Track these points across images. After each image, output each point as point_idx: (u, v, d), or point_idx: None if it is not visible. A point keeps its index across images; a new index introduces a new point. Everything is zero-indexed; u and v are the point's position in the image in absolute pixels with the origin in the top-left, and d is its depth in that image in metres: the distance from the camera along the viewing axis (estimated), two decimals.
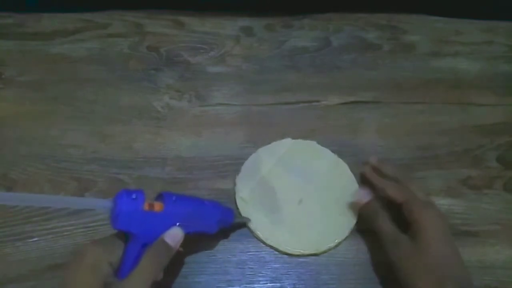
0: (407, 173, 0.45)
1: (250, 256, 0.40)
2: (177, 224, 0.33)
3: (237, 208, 0.42)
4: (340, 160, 0.46)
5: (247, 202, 0.42)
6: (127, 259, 0.31)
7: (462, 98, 0.52)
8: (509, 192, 0.45)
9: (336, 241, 0.40)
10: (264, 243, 0.40)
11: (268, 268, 0.39)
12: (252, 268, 0.39)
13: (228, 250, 0.40)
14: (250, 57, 0.55)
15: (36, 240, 0.40)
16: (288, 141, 0.46)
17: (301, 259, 0.40)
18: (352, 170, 0.45)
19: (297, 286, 0.39)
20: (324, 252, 0.40)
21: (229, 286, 0.38)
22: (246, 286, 0.38)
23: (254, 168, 0.44)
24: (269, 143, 0.46)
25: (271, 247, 0.40)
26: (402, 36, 0.58)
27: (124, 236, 0.32)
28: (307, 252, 0.40)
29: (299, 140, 0.47)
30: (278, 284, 0.39)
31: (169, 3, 0.58)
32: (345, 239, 0.41)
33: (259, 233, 0.40)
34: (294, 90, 0.52)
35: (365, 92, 0.52)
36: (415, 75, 0.54)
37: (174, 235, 0.32)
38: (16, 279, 0.38)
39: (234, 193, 0.43)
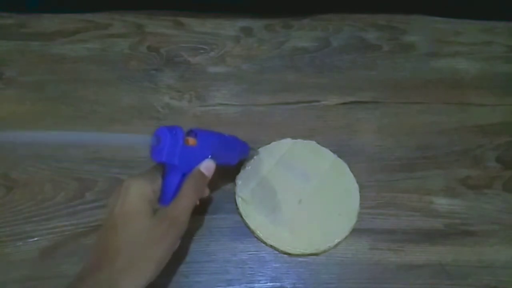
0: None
1: (250, 255, 0.40)
2: (209, 156, 0.36)
3: (237, 208, 0.42)
4: (340, 160, 0.46)
5: (247, 202, 0.42)
6: (168, 188, 0.34)
7: (462, 98, 0.52)
8: (508, 192, 0.45)
9: (336, 241, 0.41)
10: (264, 242, 0.40)
11: (268, 268, 0.40)
12: (252, 267, 0.40)
13: (228, 250, 0.40)
14: (250, 57, 0.55)
15: (36, 240, 0.40)
16: (288, 141, 0.47)
17: (301, 259, 0.40)
18: (352, 170, 0.45)
19: (297, 285, 0.39)
20: (324, 252, 0.40)
21: (229, 285, 0.39)
22: (246, 286, 0.39)
23: (254, 168, 0.44)
24: (269, 143, 0.46)
25: (271, 246, 0.40)
26: (401, 36, 0.58)
27: (161, 168, 0.35)
28: (307, 252, 0.40)
29: (299, 140, 0.47)
30: (278, 284, 0.39)
31: (169, 4, 0.58)
32: (345, 239, 0.41)
33: (259, 233, 0.40)
34: (294, 90, 0.52)
35: (364, 92, 0.52)
36: (415, 75, 0.54)
37: (208, 166, 0.36)
38: (17, 279, 0.38)
39: (234, 193, 0.43)
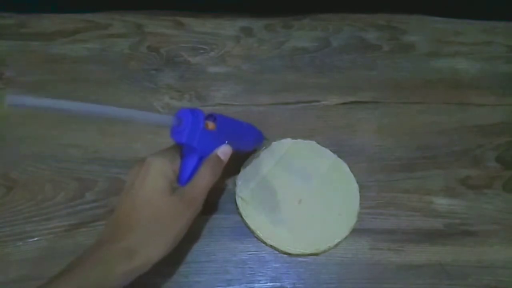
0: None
1: (250, 255, 0.40)
2: (226, 142, 0.37)
3: (237, 208, 0.42)
4: (340, 160, 0.46)
5: (247, 202, 0.42)
6: (185, 169, 0.35)
7: (462, 98, 0.52)
8: (508, 192, 0.45)
9: (336, 241, 0.41)
10: (264, 242, 0.40)
11: (268, 268, 0.40)
12: (252, 267, 0.40)
13: (228, 250, 0.40)
14: (250, 57, 0.55)
15: (36, 240, 0.40)
16: (288, 141, 0.47)
17: (301, 259, 0.40)
18: (352, 170, 0.45)
19: (297, 285, 0.39)
20: (324, 252, 0.40)
21: (229, 285, 0.39)
22: (246, 286, 0.39)
23: (254, 168, 0.44)
24: (269, 143, 0.46)
25: (271, 246, 0.40)
26: (401, 36, 0.58)
27: (180, 149, 0.36)
28: (307, 252, 0.40)
29: (299, 140, 0.47)
30: (278, 284, 0.39)
31: (169, 4, 0.58)
32: (345, 239, 0.41)
33: (259, 233, 0.40)
34: (294, 90, 0.52)
35: (364, 92, 0.52)
36: (415, 75, 0.54)
37: (225, 151, 0.37)
38: (17, 279, 0.38)
39: (234, 193, 0.43)
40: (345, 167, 0.45)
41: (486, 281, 0.39)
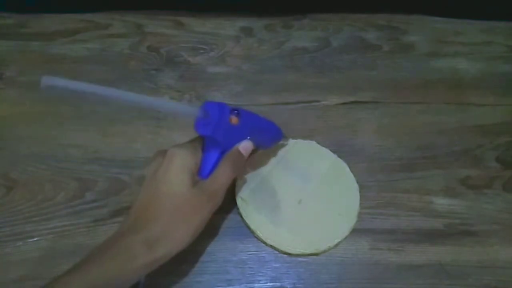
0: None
1: (250, 255, 0.40)
2: (248, 138, 0.37)
3: (237, 208, 0.42)
4: (340, 160, 0.46)
5: (247, 202, 0.42)
6: (207, 162, 0.35)
7: (462, 98, 0.52)
8: (508, 192, 0.45)
9: (336, 241, 0.41)
10: (264, 242, 0.40)
11: (268, 268, 0.40)
12: (252, 267, 0.40)
13: (228, 250, 0.40)
14: (250, 57, 0.55)
15: (36, 240, 0.40)
16: (288, 141, 0.46)
17: (301, 259, 0.40)
18: (352, 170, 0.45)
19: (297, 285, 0.39)
20: (324, 252, 0.40)
21: (229, 285, 0.39)
22: (246, 286, 0.39)
23: (254, 168, 0.44)
24: None
25: (271, 246, 0.40)
26: (401, 36, 0.58)
27: (202, 142, 0.36)
28: (307, 252, 0.40)
29: (299, 140, 0.47)
30: (278, 284, 0.39)
31: (169, 4, 0.58)
32: (345, 239, 0.41)
33: (259, 233, 0.40)
34: (294, 90, 0.52)
35: (364, 92, 0.52)
36: (415, 75, 0.54)
37: (246, 146, 0.37)
38: (17, 279, 0.38)
39: (234, 193, 0.43)
40: (345, 167, 0.45)
41: (486, 281, 0.39)
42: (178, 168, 0.33)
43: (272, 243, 0.40)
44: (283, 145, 0.45)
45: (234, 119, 0.35)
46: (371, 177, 0.45)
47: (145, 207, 0.33)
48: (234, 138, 0.36)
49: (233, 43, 0.57)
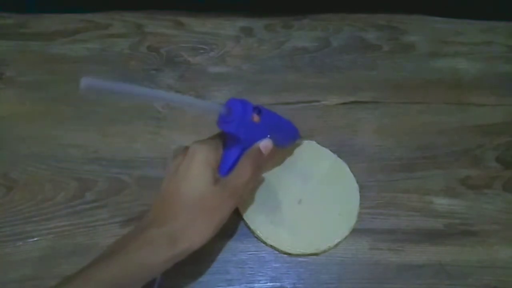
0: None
1: (250, 255, 0.40)
2: (268, 136, 0.37)
3: (238, 208, 0.42)
4: (340, 160, 0.46)
5: (247, 202, 0.42)
6: (228, 159, 0.35)
7: (462, 98, 0.52)
8: (508, 192, 0.45)
9: (336, 241, 0.41)
10: (264, 242, 0.40)
11: (268, 268, 0.40)
12: (252, 267, 0.40)
13: (228, 250, 0.40)
14: (250, 57, 0.55)
15: (36, 240, 0.40)
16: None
17: (301, 259, 0.40)
18: (352, 170, 0.45)
19: (297, 285, 0.39)
20: (324, 252, 0.40)
21: (229, 285, 0.39)
22: (246, 286, 0.39)
23: None
24: None
25: (271, 246, 0.40)
26: (401, 36, 0.58)
27: (223, 138, 0.36)
28: (307, 252, 0.40)
29: (299, 140, 0.47)
30: (278, 284, 0.39)
31: (169, 4, 0.58)
32: (345, 239, 0.41)
33: (259, 233, 0.40)
34: (294, 90, 0.52)
35: (364, 92, 0.52)
36: (415, 75, 0.54)
37: (266, 145, 0.37)
38: (17, 279, 0.38)
39: None
40: (345, 167, 0.45)
41: (486, 281, 0.39)
42: (200, 163, 0.34)
43: (272, 243, 0.40)
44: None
45: (255, 117, 0.35)
46: (371, 177, 0.45)
47: (167, 202, 0.33)
48: (255, 136, 0.36)
49: (233, 43, 0.57)
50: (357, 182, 0.44)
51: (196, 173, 0.33)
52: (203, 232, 0.33)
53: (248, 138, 0.35)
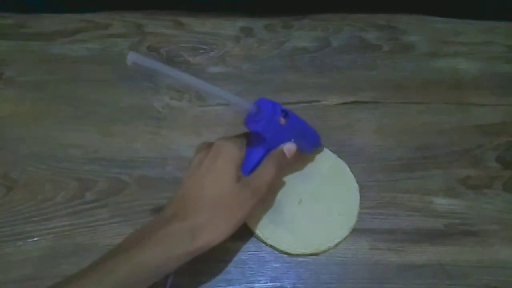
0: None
1: (250, 255, 0.40)
2: (292, 140, 0.37)
3: None
4: (340, 160, 0.46)
5: None
6: (252, 159, 0.36)
7: (462, 98, 0.52)
8: (508, 192, 0.45)
9: (336, 241, 0.41)
10: (264, 242, 0.40)
11: (268, 268, 0.40)
12: (252, 267, 0.40)
13: (228, 250, 0.40)
14: (250, 57, 0.55)
15: (36, 240, 0.40)
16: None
17: (301, 259, 0.40)
18: (352, 170, 0.45)
19: (297, 285, 0.39)
20: (324, 252, 0.40)
21: (229, 285, 0.39)
22: (246, 286, 0.39)
23: None
24: None
25: (271, 246, 0.40)
26: (401, 36, 0.58)
27: (247, 137, 0.37)
28: (307, 252, 0.40)
29: None
30: (278, 284, 0.39)
31: (169, 4, 0.58)
32: (345, 239, 0.41)
33: (259, 233, 0.40)
34: (294, 90, 0.52)
35: (364, 92, 0.52)
36: (415, 75, 0.54)
37: (290, 148, 0.37)
38: (17, 279, 0.38)
39: None
40: (345, 167, 0.45)
41: (486, 281, 0.39)
42: (225, 159, 0.34)
43: (272, 243, 0.40)
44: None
45: (282, 120, 0.36)
46: (371, 177, 0.45)
47: (189, 196, 0.33)
48: (280, 138, 0.36)
49: (233, 43, 0.57)
50: (357, 182, 0.44)
51: (221, 169, 0.33)
52: (223, 229, 0.33)
53: (273, 139, 0.36)
